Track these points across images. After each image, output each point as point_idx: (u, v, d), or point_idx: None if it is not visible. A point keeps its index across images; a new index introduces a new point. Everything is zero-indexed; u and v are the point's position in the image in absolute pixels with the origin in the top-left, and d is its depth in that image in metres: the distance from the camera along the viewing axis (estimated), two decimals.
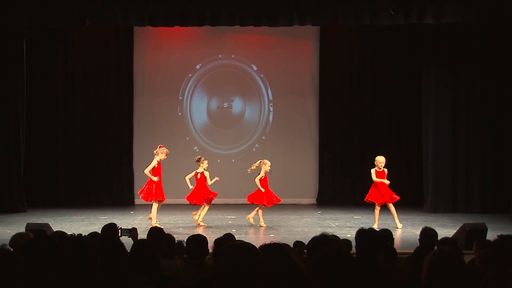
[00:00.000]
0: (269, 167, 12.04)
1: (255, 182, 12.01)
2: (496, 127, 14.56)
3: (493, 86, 14.47)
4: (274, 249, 3.66)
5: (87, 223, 12.12)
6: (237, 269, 3.41)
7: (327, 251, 3.00)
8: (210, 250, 5.62)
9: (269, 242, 3.77)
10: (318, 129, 16.24)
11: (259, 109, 16.43)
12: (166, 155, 11.87)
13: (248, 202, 12.20)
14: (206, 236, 5.61)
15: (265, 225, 11.90)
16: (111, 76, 15.86)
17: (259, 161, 12.19)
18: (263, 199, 11.94)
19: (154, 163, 11.78)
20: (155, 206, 11.67)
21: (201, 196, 11.98)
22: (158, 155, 11.81)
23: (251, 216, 12.09)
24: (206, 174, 12.06)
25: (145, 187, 11.85)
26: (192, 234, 5.79)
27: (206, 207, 12.02)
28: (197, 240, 5.43)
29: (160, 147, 11.96)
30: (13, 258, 3.74)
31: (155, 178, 11.68)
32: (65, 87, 15.72)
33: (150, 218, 11.70)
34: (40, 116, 15.57)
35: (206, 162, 12.15)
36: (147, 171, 11.79)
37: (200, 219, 11.92)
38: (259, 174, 12.06)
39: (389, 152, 15.73)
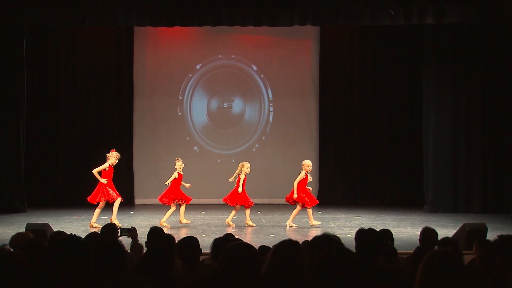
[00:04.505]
0: (248, 169, 12.09)
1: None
2: (496, 127, 14.56)
3: (493, 86, 14.48)
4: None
5: (87, 223, 12.10)
6: (237, 269, 3.41)
7: (330, 251, 2.99)
8: (209, 250, 5.59)
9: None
10: (318, 129, 16.22)
11: (259, 109, 16.41)
12: (117, 159, 12.05)
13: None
14: (206, 236, 5.59)
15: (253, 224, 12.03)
16: (111, 76, 15.86)
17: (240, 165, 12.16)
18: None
19: (104, 166, 11.94)
20: (115, 204, 11.86)
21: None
22: (109, 159, 11.95)
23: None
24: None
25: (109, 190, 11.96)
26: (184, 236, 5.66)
27: (173, 209, 12.05)
28: (189, 242, 5.28)
29: (112, 151, 12.09)
30: (13, 258, 3.73)
31: (103, 180, 11.86)
32: (65, 87, 15.71)
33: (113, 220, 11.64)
34: (41, 116, 15.55)
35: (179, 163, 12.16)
36: (95, 171, 11.95)
37: (164, 219, 11.93)
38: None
39: (389, 152, 15.83)
